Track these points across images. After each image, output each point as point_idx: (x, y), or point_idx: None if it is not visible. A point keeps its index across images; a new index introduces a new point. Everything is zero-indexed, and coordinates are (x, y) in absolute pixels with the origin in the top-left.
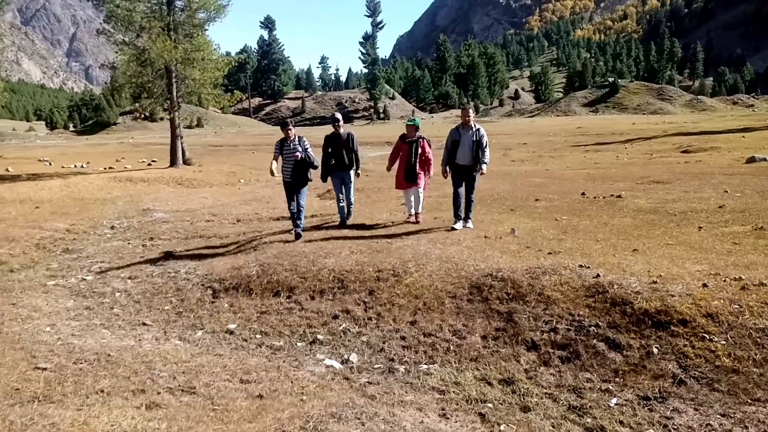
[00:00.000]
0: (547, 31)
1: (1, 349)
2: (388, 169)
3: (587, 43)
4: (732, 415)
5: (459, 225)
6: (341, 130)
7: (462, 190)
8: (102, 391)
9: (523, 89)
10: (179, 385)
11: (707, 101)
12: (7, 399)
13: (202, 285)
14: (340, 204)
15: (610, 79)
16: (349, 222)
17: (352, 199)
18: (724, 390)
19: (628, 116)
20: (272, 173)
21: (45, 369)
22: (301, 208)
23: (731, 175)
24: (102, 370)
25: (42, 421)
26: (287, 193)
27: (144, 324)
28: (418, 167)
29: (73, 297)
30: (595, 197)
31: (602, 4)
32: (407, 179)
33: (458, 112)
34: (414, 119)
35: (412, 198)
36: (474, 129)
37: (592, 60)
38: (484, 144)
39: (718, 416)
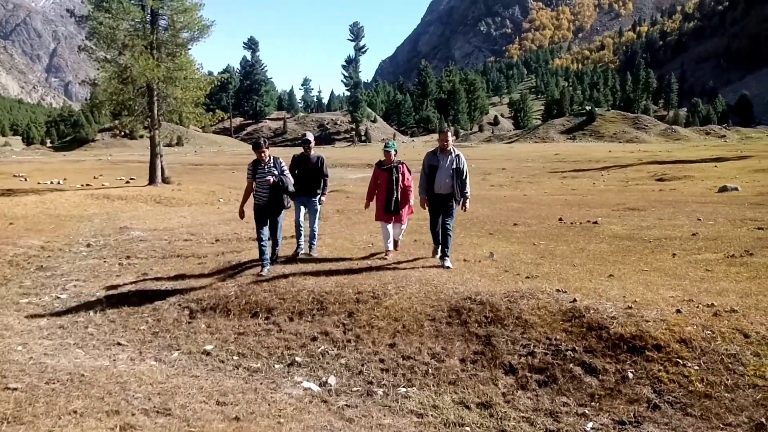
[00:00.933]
0: (526, 60)
1: None
2: (367, 206)
3: (565, 72)
4: None
5: (448, 261)
6: (311, 152)
7: (438, 222)
8: (75, 412)
9: (502, 115)
10: (154, 407)
11: (681, 131)
12: None
13: (179, 305)
14: (300, 229)
15: (588, 108)
16: (315, 254)
17: (317, 229)
18: (697, 415)
19: (605, 144)
20: (241, 215)
21: (15, 389)
22: (278, 240)
23: (704, 203)
24: (75, 391)
25: None
26: (256, 218)
27: (119, 344)
28: (399, 196)
29: (46, 315)
30: (572, 223)
31: (580, 35)
32: (388, 210)
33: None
34: (390, 144)
35: (391, 232)
36: (453, 155)
37: (570, 88)
38: (465, 173)
39: None
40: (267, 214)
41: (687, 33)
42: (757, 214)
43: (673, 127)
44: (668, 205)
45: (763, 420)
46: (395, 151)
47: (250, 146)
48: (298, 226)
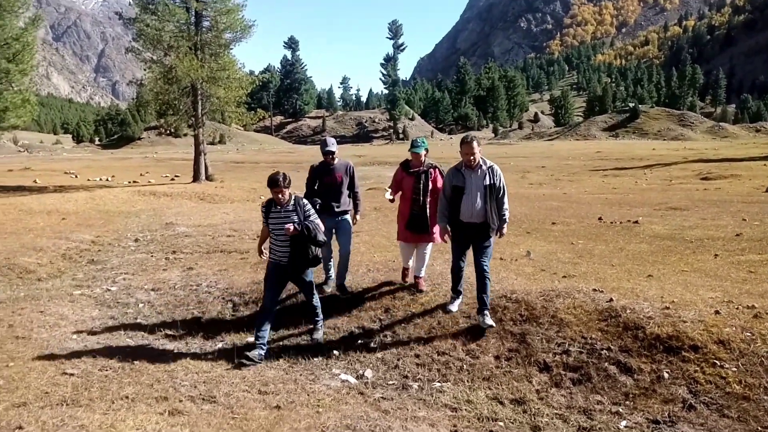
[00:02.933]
0: (567, 56)
1: (31, 354)
2: (392, 199)
3: (608, 68)
4: None
5: (456, 304)
6: (336, 162)
7: (464, 260)
8: (127, 397)
9: (542, 112)
10: (200, 394)
11: (729, 128)
12: (37, 401)
13: (223, 298)
14: (329, 264)
15: (631, 104)
16: (348, 286)
17: (349, 250)
18: (734, 416)
19: (649, 142)
20: (260, 253)
21: (72, 375)
22: (315, 306)
23: (750, 203)
24: (126, 378)
25: (71, 423)
26: (267, 279)
27: (166, 335)
28: (429, 210)
29: (98, 307)
30: (612, 222)
31: (624, 30)
32: (413, 228)
33: (478, 133)
34: (419, 142)
35: (415, 255)
36: (485, 168)
37: (613, 85)
38: (502, 191)
39: None
40: (288, 275)
41: (737, 26)
42: None
43: (721, 124)
44: (712, 204)
45: None
46: (426, 150)
47: (291, 144)
48: (326, 258)
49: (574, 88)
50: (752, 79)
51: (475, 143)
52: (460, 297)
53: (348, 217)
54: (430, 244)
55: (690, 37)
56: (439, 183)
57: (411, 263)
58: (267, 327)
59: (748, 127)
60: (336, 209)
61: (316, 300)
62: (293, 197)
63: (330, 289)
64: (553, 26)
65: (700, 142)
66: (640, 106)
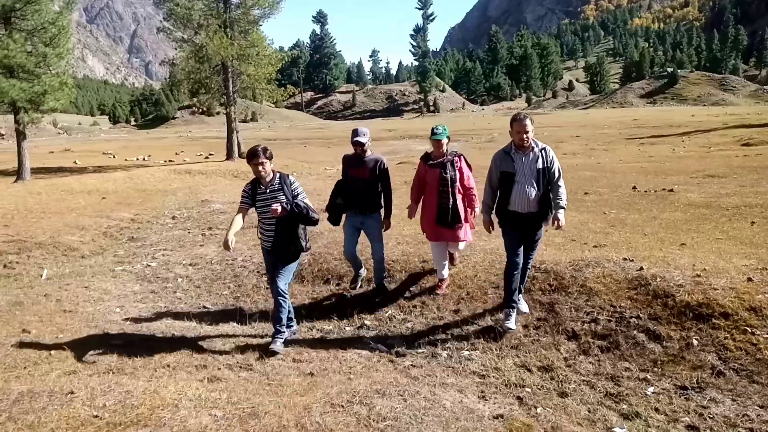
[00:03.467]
0: (603, 20)
1: (77, 327)
2: (412, 214)
3: (645, 32)
4: None
5: (512, 321)
6: (367, 155)
7: (520, 257)
8: (168, 365)
9: (577, 80)
10: (237, 362)
11: None
12: (86, 370)
13: (258, 272)
14: (359, 268)
15: (669, 70)
16: (390, 285)
17: (383, 256)
18: (764, 382)
19: (688, 108)
20: (227, 246)
21: (117, 345)
22: (282, 301)
23: None
24: (167, 347)
25: (117, 389)
26: (267, 266)
27: (204, 307)
28: (459, 204)
29: (139, 282)
30: (646, 191)
31: None
32: (443, 220)
33: (511, 104)
34: (440, 130)
35: (447, 255)
36: (537, 150)
37: (651, 49)
38: (558, 175)
39: (757, 407)
40: (275, 261)
41: None
42: None
43: (765, 87)
44: (752, 171)
45: None
46: (448, 138)
47: (321, 120)
48: (352, 258)
49: (609, 54)
50: None
51: (528, 121)
52: (514, 312)
53: (376, 216)
54: (462, 244)
55: None
56: (466, 173)
57: (446, 271)
58: (283, 314)
59: None
60: (363, 206)
61: (285, 291)
62: (278, 174)
63: (361, 279)
64: None
65: (742, 106)
66: (679, 71)
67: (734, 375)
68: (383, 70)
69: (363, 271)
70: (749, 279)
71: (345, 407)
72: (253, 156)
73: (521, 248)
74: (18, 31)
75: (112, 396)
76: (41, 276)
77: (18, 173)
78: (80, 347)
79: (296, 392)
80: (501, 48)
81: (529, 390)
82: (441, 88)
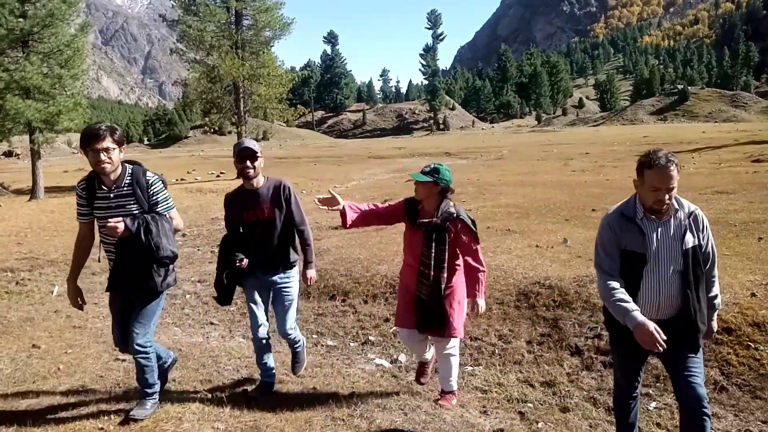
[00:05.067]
0: (612, 38)
1: (87, 342)
2: (348, 224)
3: (655, 50)
4: None
5: None
6: (260, 182)
7: (639, 387)
8: (174, 380)
9: (587, 98)
10: (242, 378)
11: None
12: (94, 383)
13: None
14: (261, 347)
15: (680, 87)
16: (301, 372)
17: (292, 333)
18: (767, 398)
19: (699, 124)
20: (77, 305)
21: (124, 360)
22: (143, 359)
23: None
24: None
25: (123, 403)
26: (112, 308)
27: (211, 323)
28: (449, 300)
29: None
30: None
31: (671, 9)
32: (422, 318)
33: (521, 121)
34: (437, 171)
35: (426, 342)
36: (682, 216)
37: (661, 67)
38: (712, 256)
39: (759, 422)
40: (125, 303)
41: None
42: None
43: None
44: (762, 187)
45: None
46: (448, 184)
47: (332, 138)
48: (258, 341)
49: (620, 72)
50: None
51: (674, 169)
52: None
53: (292, 275)
54: (456, 340)
55: (743, 13)
56: (466, 240)
57: (429, 354)
58: (150, 377)
59: None
60: (269, 263)
61: (150, 361)
62: (129, 169)
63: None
64: (597, 8)
65: (753, 123)
66: (689, 87)
67: (737, 390)
68: (393, 89)
69: (273, 369)
70: (753, 294)
71: (346, 421)
72: (91, 137)
73: (640, 376)
74: (35, 54)
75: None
76: (52, 292)
77: (32, 192)
78: (88, 362)
79: (298, 406)
80: (510, 66)
81: (531, 405)
82: (451, 107)
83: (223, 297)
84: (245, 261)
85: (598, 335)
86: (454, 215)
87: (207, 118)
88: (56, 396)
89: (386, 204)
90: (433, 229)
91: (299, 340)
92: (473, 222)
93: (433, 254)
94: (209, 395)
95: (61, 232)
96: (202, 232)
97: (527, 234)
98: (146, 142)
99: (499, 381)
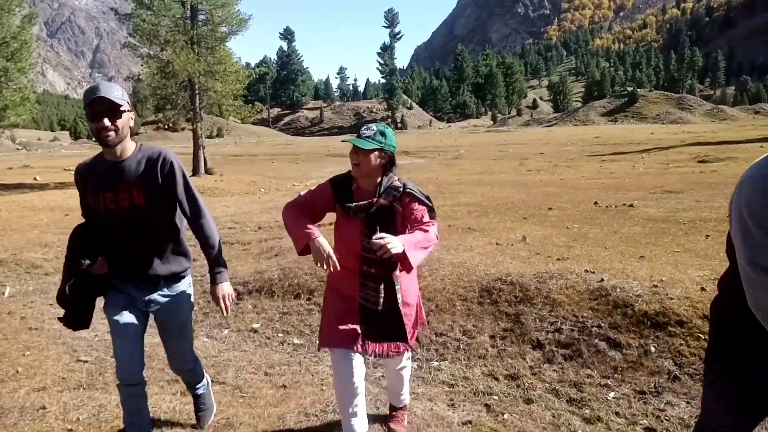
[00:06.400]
0: (566, 41)
1: (45, 344)
2: (300, 249)
3: (606, 53)
4: None
5: None
6: (123, 149)
7: None
8: None
9: (541, 99)
10: (210, 377)
11: (728, 111)
12: (56, 386)
13: None
14: (129, 398)
15: (629, 89)
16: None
17: (189, 367)
18: None
19: (648, 126)
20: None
21: (86, 361)
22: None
23: None
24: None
25: (90, 403)
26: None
27: None
28: (405, 304)
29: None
30: (607, 206)
31: (621, 14)
32: (368, 328)
33: (477, 121)
34: (384, 134)
35: (362, 386)
36: None
37: (612, 69)
38: None
39: None
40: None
41: (736, 8)
42: None
43: (720, 106)
44: (707, 187)
45: None
46: (389, 150)
47: (288, 136)
48: (125, 390)
49: (572, 74)
50: (751, 61)
51: None
52: None
53: (179, 290)
54: (407, 355)
55: (688, 19)
56: (424, 218)
57: (358, 427)
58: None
59: (747, 109)
60: (140, 274)
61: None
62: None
63: None
64: (551, 11)
65: (698, 125)
66: (638, 90)
67: (689, 379)
68: (351, 87)
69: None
70: (703, 289)
71: (318, 416)
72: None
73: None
74: None
75: (85, 410)
76: (3, 294)
77: None
78: (48, 364)
79: (269, 404)
80: (467, 66)
81: (496, 397)
82: (408, 106)
83: (72, 318)
84: (103, 266)
85: (559, 329)
86: (401, 189)
87: (161, 115)
88: (17, 399)
89: (303, 200)
90: (376, 214)
91: (201, 380)
92: (427, 197)
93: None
94: (178, 394)
95: (9, 232)
96: None
97: (487, 232)
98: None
99: (464, 375)
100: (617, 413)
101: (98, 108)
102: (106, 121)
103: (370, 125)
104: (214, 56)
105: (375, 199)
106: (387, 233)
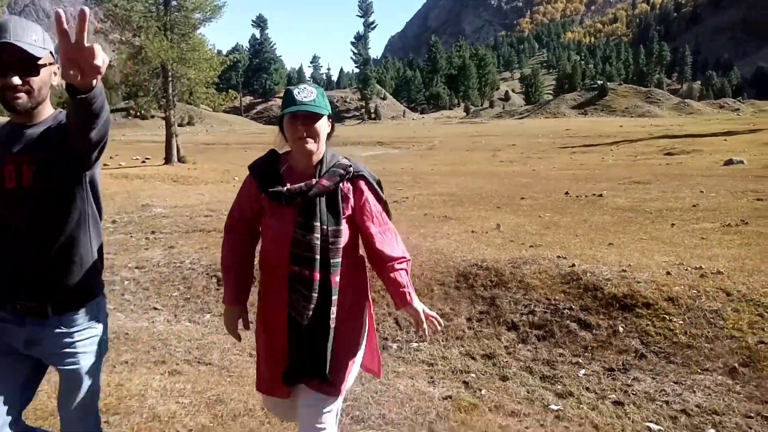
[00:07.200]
0: (538, 33)
1: None
2: (229, 301)
3: (577, 46)
4: (683, 382)
5: None
6: (33, 112)
7: None
8: (126, 362)
9: (513, 91)
10: (195, 358)
11: (694, 105)
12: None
13: (207, 274)
14: None
15: (600, 82)
16: None
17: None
18: (679, 362)
19: (617, 119)
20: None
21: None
22: None
23: (709, 176)
24: (123, 346)
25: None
26: None
27: (155, 308)
28: (344, 322)
29: None
30: (577, 196)
31: (593, 7)
32: (296, 360)
33: (450, 113)
34: (315, 92)
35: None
36: None
37: (582, 63)
38: None
39: (672, 383)
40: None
41: (702, 4)
42: (759, 186)
43: (686, 101)
44: (674, 178)
45: (735, 365)
46: (329, 115)
47: (261, 125)
48: None
49: (544, 67)
50: (717, 57)
51: None
52: None
53: (84, 323)
54: (338, 402)
55: (657, 14)
56: (376, 214)
57: None
58: None
59: (712, 103)
60: (26, 292)
61: None
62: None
63: None
64: (524, 4)
65: (666, 118)
66: (608, 83)
67: (654, 357)
68: (324, 77)
69: None
70: (668, 273)
71: None
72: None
73: None
74: None
75: None
76: None
77: None
78: None
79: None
80: (440, 58)
81: (473, 375)
82: (382, 96)
83: None
84: None
85: (532, 311)
86: (350, 169)
87: (132, 102)
88: None
89: (229, 215)
90: (314, 199)
91: None
92: (379, 183)
93: (317, 241)
94: (166, 374)
95: None
96: (133, 218)
97: (463, 220)
98: None
99: (443, 355)
100: (587, 388)
101: (6, 58)
102: (15, 79)
103: (304, 86)
104: (187, 43)
105: (316, 181)
106: (333, 223)
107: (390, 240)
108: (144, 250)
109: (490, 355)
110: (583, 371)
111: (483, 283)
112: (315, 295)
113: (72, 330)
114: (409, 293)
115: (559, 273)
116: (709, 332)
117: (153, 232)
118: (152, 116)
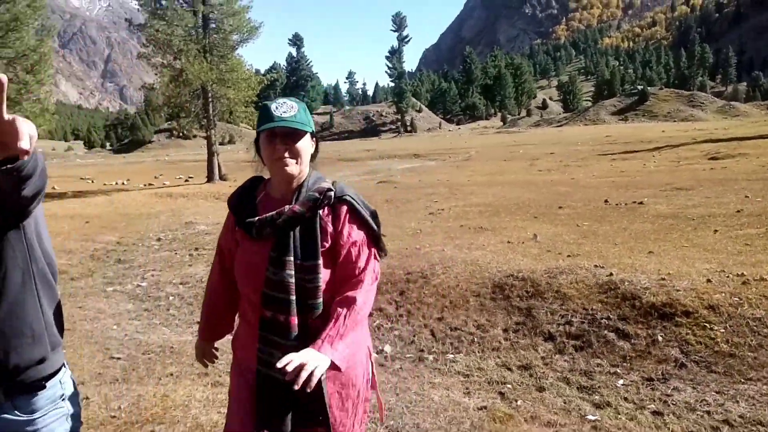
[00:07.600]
0: (574, 40)
1: (78, 343)
2: (202, 355)
3: (616, 51)
4: (726, 392)
5: None
6: None
7: None
8: (171, 374)
9: (551, 99)
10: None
11: (740, 107)
12: (93, 380)
13: None
14: None
15: (640, 87)
16: None
17: None
18: (721, 372)
19: (658, 124)
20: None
21: (119, 358)
22: None
23: (755, 180)
24: (168, 359)
25: (129, 394)
26: None
27: (197, 323)
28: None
29: (131, 301)
30: (617, 204)
31: (630, 12)
32: (265, 411)
33: (486, 123)
34: (297, 106)
35: None
36: None
37: (621, 68)
38: None
39: (714, 393)
40: None
41: (745, 3)
42: None
43: (732, 103)
44: (717, 183)
45: None
46: (312, 132)
47: None
48: None
49: (581, 73)
50: (763, 56)
51: None
52: None
53: (47, 405)
54: None
55: (698, 15)
56: (349, 257)
57: None
58: None
59: (759, 105)
60: None
61: None
62: None
63: None
64: (559, 11)
65: (710, 122)
66: (649, 88)
67: (695, 366)
68: (360, 92)
69: None
70: (708, 280)
71: None
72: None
73: None
74: None
75: (125, 400)
76: None
77: None
78: (84, 362)
79: None
80: (475, 68)
81: (509, 386)
82: (417, 109)
83: None
84: None
85: (569, 322)
86: (329, 193)
87: (174, 122)
88: None
89: (215, 258)
90: (286, 229)
91: None
92: (373, 213)
93: (291, 279)
94: (209, 386)
95: None
96: (177, 236)
97: (499, 231)
98: (109, 147)
99: (479, 366)
100: (626, 398)
101: None
102: None
103: (283, 100)
104: (226, 64)
105: (290, 208)
106: (307, 258)
107: (359, 279)
108: (188, 266)
109: (527, 365)
110: (621, 381)
111: (519, 294)
112: (286, 328)
113: (34, 417)
114: (333, 335)
115: (597, 282)
116: (752, 340)
117: (196, 249)
118: (194, 136)
